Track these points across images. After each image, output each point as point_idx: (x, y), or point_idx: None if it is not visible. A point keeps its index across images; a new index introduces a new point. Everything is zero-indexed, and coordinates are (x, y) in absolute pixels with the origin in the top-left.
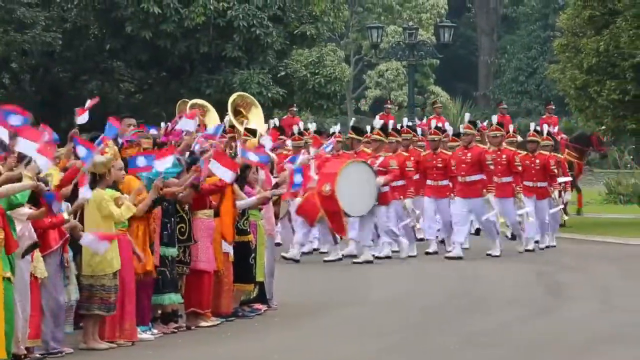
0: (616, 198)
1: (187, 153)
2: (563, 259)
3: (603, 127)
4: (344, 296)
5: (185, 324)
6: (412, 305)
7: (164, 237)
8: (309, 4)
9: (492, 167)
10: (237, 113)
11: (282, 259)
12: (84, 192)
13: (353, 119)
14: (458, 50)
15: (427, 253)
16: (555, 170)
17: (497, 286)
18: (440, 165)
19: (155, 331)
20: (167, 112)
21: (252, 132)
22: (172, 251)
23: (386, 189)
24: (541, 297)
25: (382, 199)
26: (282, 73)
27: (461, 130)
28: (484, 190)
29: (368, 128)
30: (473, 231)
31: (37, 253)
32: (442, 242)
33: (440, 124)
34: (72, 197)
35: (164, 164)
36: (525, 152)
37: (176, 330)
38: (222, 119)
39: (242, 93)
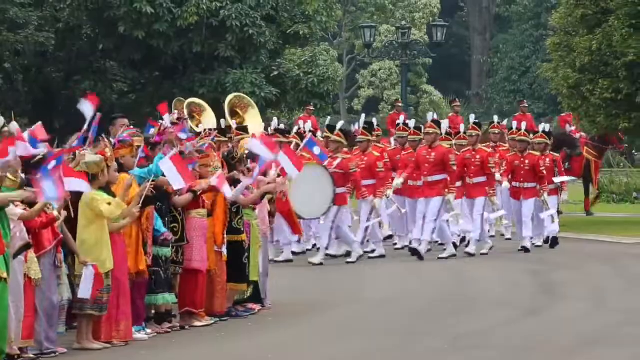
0: (609, 197)
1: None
2: (556, 258)
3: (595, 130)
4: (338, 296)
5: (179, 324)
6: (404, 305)
7: (157, 238)
8: (301, 3)
9: (454, 167)
10: (233, 114)
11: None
12: (79, 184)
13: (341, 122)
14: (451, 49)
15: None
16: (545, 172)
17: (489, 286)
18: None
19: (149, 331)
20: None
21: (244, 130)
22: (166, 251)
23: (342, 189)
24: (533, 297)
25: (339, 201)
26: (275, 73)
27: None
28: (445, 190)
29: (355, 126)
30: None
31: (31, 254)
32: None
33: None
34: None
35: None
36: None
37: (170, 330)
38: (218, 118)
39: (238, 94)
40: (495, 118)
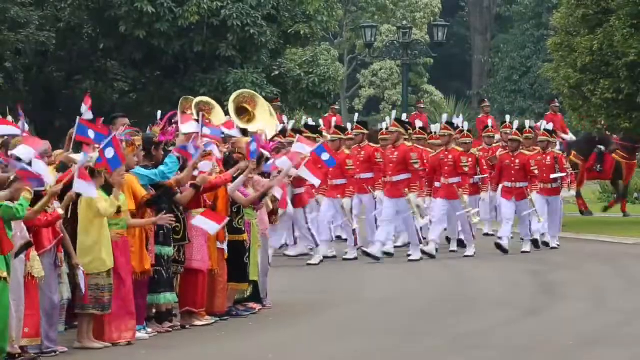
0: (610, 197)
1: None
2: (556, 258)
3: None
4: (338, 296)
5: (179, 323)
6: (404, 305)
7: (159, 236)
8: (302, 3)
9: (417, 166)
10: (242, 111)
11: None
12: (87, 188)
13: (347, 123)
14: (452, 49)
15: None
16: (536, 171)
17: (489, 286)
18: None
19: (149, 330)
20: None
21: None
22: (168, 250)
23: (301, 190)
24: (533, 297)
25: (298, 202)
26: (276, 72)
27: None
28: (406, 190)
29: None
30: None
31: (33, 252)
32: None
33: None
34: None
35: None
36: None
37: (171, 330)
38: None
39: (240, 91)
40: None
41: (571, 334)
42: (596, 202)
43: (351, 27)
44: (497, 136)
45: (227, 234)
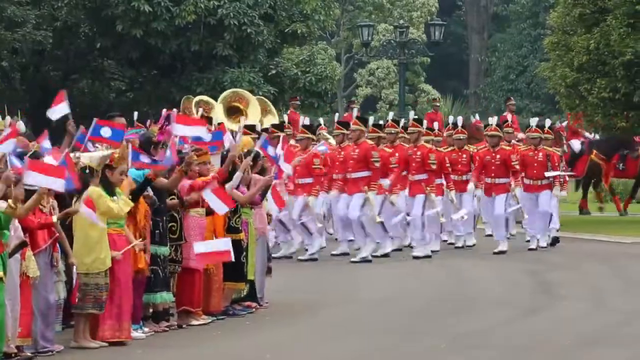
0: (606, 197)
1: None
2: (554, 257)
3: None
4: (335, 295)
5: (176, 323)
6: (402, 305)
7: (155, 235)
8: (299, 2)
9: (377, 164)
10: (233, 111)
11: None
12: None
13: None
14: (449, 48)
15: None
16: (517, 167)
17: (487, 286)
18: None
19: (146, 330)
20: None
21: (251, 128)
22: (164, 250)
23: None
24: (531, 297)
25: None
26: (273, 71)
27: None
28: (365, 187)
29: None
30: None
31: (28, 252)
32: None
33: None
34: (60, 200)
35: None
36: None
37: (167, 329)
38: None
39: (230, 90)
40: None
41: (571, 334)
42: (592, 201)
43: (348, 26)
44: (521, 135)
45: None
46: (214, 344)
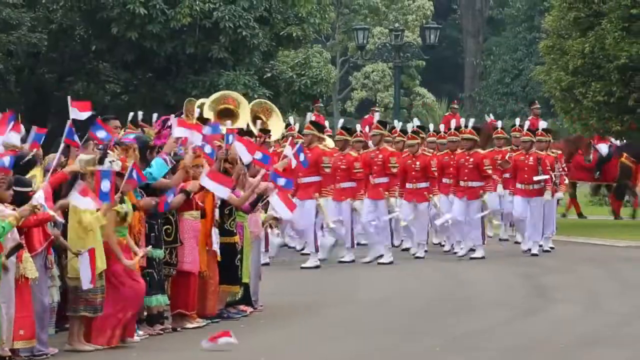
0: (601, 200)
1: (172, 153)
2: (548, 260)
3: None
4: (331, 297)
5: (171, 326)
6: (398, 306)
7: (150, 238)
8: (295, 5)
9: (327, 170)
10: (224, 114)
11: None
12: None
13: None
14: (444, 51)
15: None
16: (489, 171)
17: (482, 288)
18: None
19: (141, 333)
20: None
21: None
22: (159, 253)
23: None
24: (526, 299)
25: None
26: (268, 74)
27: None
28: (316, 194)
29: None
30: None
31: (25, 254)
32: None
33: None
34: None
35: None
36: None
37: (162, 332)
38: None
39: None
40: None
41: (568, 335)
42: (587, 205)
43: (343, 30)
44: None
45: (218, 238)
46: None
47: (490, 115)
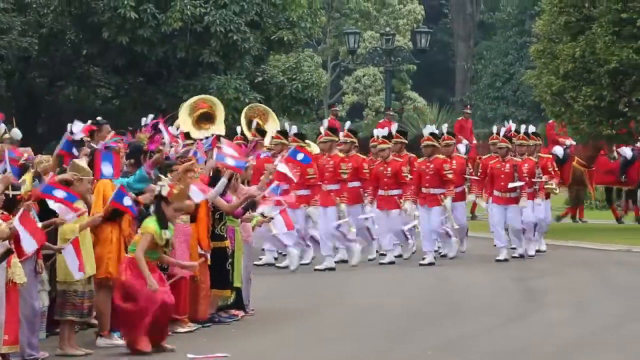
0: (592, 204)
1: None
2: (538, 264)
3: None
4: (321, 302)
5: None
6: (388, 311)
7: None
8: (286, 9)
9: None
10: (203, 118)
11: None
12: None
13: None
14: (435, 56)
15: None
16: (450, 175)
17: (472, 292)
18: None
19: None
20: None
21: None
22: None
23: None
24: (516, 304)
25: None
26: (260, 78)
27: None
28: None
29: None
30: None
31: (14, 259)
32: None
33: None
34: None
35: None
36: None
37: None
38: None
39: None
40: (494, 128)
41: (559, 339)
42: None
43: (334, 34)
44: (569, 141)
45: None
46: (200, 351)
47: (510, 122)
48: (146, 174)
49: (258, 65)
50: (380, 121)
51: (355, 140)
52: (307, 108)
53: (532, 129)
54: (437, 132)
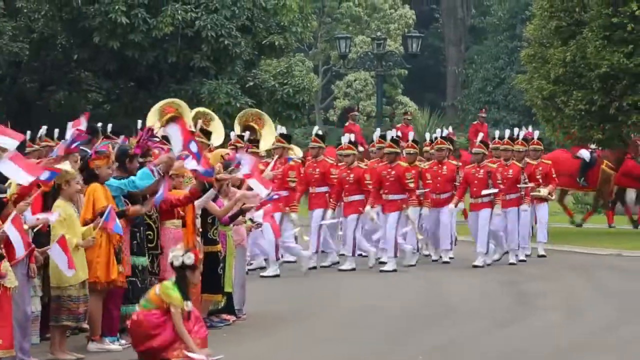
0: (583, 208)
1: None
2: (529, 268)
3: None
4: (313, 306)
5: None
6: (379, 315)
7: (133, 246)
8: (277, 14)
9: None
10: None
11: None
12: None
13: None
14: (426, 60)
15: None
16: (412, 184)
17: (464, 297)
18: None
19: (123, 342)
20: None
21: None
22: (142, 260)
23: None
24: (508, 308)
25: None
26: (251, 83)
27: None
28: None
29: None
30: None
31: (5, 263)
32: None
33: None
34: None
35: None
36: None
37: None
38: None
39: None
40: (497, 133)
41: (551, 343)
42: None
43: (325, 38)
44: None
45: (201, 245)
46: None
47: (530, 127)
48: (149, 171)
49: (249, 70)
50: (398, 125)
51: (323, 145)
52: (299, 113)
53: (522, 134)
54: (393, 137)
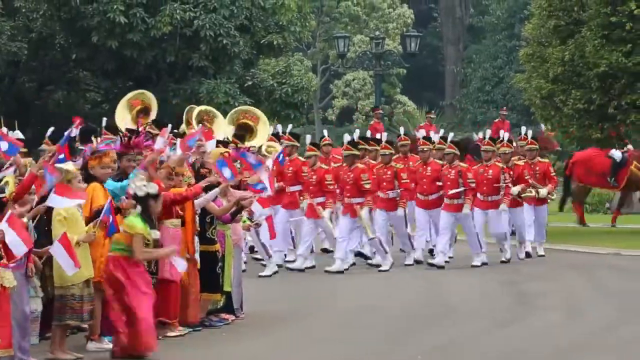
0: (592, 208)
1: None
2: (531, 268)
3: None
4: (312, 306)
5: None
6: (379, 315)
7: None
8: (275, 13)
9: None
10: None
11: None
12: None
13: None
14: (424, 59)
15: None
16: (368, 186)
17: (464, 297)
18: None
19: None
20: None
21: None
22: None
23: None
24: (508, 308)
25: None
26: (249, 83)
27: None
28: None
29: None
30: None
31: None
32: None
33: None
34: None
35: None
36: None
37: None
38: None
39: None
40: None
41: (551, 343)
42: (568, 212)
43: (324, 38)
44: (618, 152)
45: (199, 246)
46: (191, 355)
47: (548, 125)
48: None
49: (248, 70)
50: (422, 124)
51: (297, 143)
52: (297, 112)
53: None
54: (354, 138)
